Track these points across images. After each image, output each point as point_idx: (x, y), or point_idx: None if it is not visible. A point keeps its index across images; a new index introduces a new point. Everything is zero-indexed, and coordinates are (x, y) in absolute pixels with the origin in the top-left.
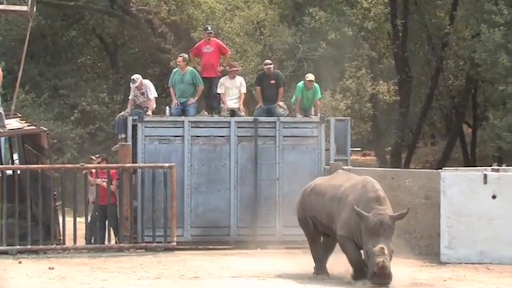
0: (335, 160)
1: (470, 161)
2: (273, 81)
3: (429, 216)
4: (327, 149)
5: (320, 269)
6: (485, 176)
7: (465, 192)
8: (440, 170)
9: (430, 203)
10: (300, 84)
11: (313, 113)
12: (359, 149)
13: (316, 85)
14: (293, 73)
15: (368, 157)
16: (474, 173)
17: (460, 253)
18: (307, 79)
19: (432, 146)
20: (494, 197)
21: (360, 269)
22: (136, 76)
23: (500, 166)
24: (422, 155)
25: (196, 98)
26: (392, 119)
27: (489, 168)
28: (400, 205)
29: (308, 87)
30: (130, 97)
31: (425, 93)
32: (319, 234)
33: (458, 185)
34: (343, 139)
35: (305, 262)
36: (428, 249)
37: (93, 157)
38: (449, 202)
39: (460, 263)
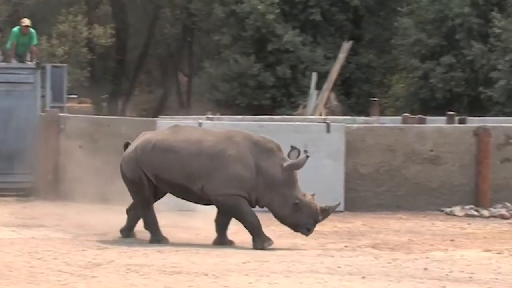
0: (51, 107)
1: (185, 110)
2: None
3: None
4: (43, 96)
5: (159, 235)
6: (200, 124)
7: None
8: (156, 118)
9: None
10: (16, 29)
11: (29, 59)
12: (76, 96)
13: (32, 30)
14: (8, 17)
15: (84, 104)
16: (189, 122)
17: (174, 200)
18: (23, 24)
19: (149, 94)
20: None
21: (262, 233)
22: None
23: (215, 114)
24: (138, 103)
25: None
26: (109, 67)
27: (204, 116)
28: (118, 152)
29: (24, 32)
30: None
31: (142, 41)
32: (153, 197)
33: None
34: (59, 85)
35: (20, 209)
36: None
37: None
38: None
39: (174, 210)
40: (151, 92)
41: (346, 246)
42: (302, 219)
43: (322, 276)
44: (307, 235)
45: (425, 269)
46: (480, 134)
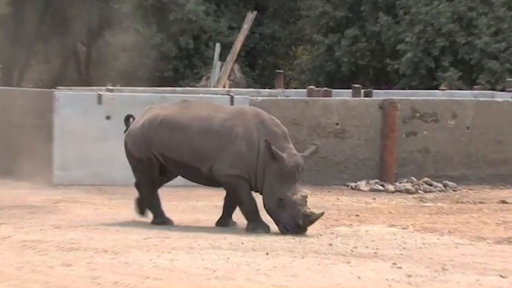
0: None
1: (84, 81)
2: None
3: (42, 136)
4: None
5: (162, 216)
6: (99, 96)
7: (79, 113)
8: (53, 90)
9: (44, 123)
10: None
11: None
12: None
13: None
14: None
15: None
16: (88, 93)
17: (73, 175)
18: None
19: (46, 64)
20: (108, 117)
21: (256, 217)
22: None
23: (115, 86)
24: (35, 73)
25: None
26: (5, 36)
27: (104, 88)
28: (12, 125)
29: None
30: None
31: (39, 9)
32: (160, 178)
33: (72, 105)
34: None
35: None
36: (41, 170)
37: None
38: (63, 122)
39: (73, 185)
40: (49, 62)
41: None
42: (283, 217)
43: (225, 252)
44: (285, 234)
45: (330, 244)
46: (386, 107)
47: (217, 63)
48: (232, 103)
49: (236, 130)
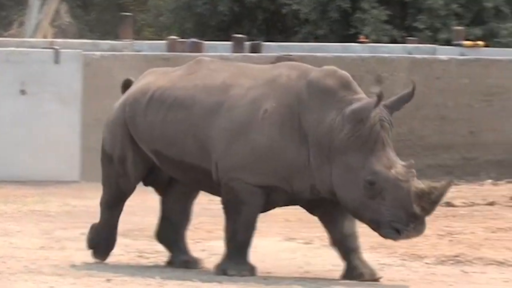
0: None
1: None
2: None
3: None
4: None
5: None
6: None
7: None
8: None
9: None
10: None
11: None
12: None
13: None
14: None
15: None
16: None
17: None
18: None
19: None
20: None
21: (242, 255)
22: None
23: None
24: None
25: None
26: None
27: None
28: None
29: None
30: None
31: None
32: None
33: None
34: None
35: None
36: None
37: None
38: None
39: None
40: None
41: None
42: (384, 211)
43: (47, 279)
44: (395, 240)
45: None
46: None
47: (34, 2)
48: (57, 61)
49: (266, 107)
